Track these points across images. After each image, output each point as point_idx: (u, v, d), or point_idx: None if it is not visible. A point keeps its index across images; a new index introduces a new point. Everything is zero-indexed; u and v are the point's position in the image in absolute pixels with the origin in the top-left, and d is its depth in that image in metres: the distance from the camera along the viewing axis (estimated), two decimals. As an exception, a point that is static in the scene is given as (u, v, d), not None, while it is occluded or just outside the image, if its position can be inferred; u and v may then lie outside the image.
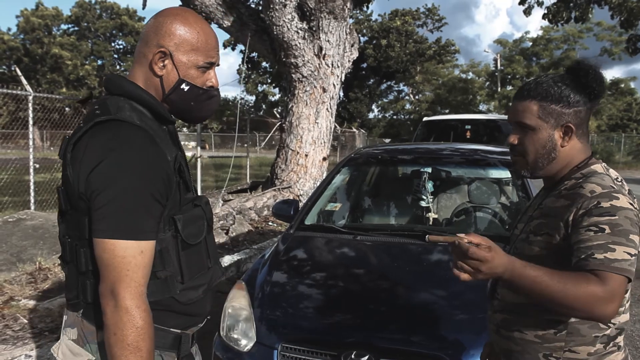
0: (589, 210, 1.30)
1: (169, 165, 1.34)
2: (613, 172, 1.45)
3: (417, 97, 44.83)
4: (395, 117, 46.56)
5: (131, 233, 1.25)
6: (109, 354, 1.27)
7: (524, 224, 1.55)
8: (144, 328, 1.25)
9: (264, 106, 48.29)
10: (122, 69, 47.07)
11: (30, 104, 7.53)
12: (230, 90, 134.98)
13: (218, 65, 1.48)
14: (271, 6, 8.69)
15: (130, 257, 1.25)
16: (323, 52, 9.14)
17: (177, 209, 1.37)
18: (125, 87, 1.40)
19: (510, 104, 1.54)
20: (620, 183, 1.39)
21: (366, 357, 2.26)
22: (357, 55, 10.20)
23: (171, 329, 1.41)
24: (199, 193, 10.46)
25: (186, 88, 1.42)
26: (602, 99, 1.47)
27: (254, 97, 49.10)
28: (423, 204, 3.93)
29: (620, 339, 1.40)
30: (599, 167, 1.44)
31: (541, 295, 1.25)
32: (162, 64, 1.39)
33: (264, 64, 40.37)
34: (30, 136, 7.85)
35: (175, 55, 1.39)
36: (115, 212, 1.25)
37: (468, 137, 9.99)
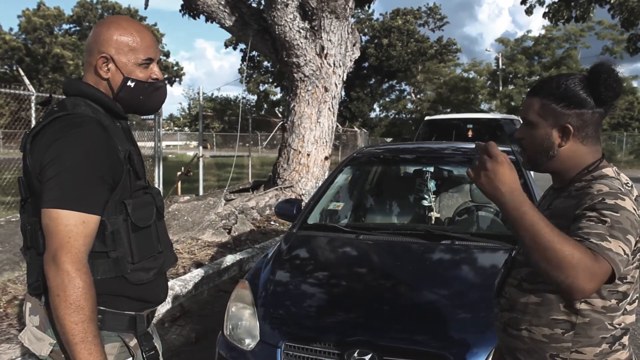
0: (593, 205, 1.30)
1: (117, 152, 1.46)
2: (624, 177, 1.43)
3: (418, 96, 44.79)
4: (397, 116, 46.53)
5: (75, 204, 1.35)
6: (55, 317, 1.35)
7: None
8: (85, 288, 1.34)
9: (265, 105, 48.33)
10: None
11: (32, 104, 7.54)
12: (232, 89, 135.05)
13: (159, 60, 1.62)
14: (273, 6, 8.69)
15: (72, 226, 1.35)
16: (325, 51, 9.14)
17: (128, 195, 1.49)
18: (80, 87, 1.55)
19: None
20: (629, 188, 1.38)
21: (369, 356, 2.26)
22: (359, 54, 10.20)
23: (125, 312, 1.51)
24: (201, 192, 10.44)
25: (132, 84, 1.56)
26: (612, 105, 1.43)
27: (255, 97, 49.16)
28: (425, 203, 3.94)
29: (625, 339, 1.41)
30: (610, 170, 1.43)
31: (535, 239, 1.19)
32: (106, 68, 1.54)
33: (265, 63, 40.37)
34: (33, 136, 7.85)
35: (117, 58, 1.53)
36: (62, 184, 1.36)
37: (470, 136, 9.99)
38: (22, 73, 8.16)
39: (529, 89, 1.55)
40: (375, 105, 45.77)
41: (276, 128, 16.72)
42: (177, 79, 50.34)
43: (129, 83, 1.56)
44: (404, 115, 45.69)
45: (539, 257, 1.19)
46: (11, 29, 45.27)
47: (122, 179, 1.47)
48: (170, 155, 27.61)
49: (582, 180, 1.43)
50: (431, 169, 4.18)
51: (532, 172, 3.91)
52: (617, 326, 1.38)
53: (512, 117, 10.53)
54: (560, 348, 1.39)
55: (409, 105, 45.42)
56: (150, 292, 1.57)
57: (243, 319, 2.62)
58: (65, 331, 1.34)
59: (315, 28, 9.02)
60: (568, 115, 1.41)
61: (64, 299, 1.32)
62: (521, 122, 1.56)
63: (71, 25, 47.92)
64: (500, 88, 37.10)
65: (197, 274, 5.05)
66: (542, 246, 1.18)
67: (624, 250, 1.22)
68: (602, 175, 1.41)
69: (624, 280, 1.36)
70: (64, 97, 1.57)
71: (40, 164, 1.40)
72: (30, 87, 7.57)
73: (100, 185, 1.41)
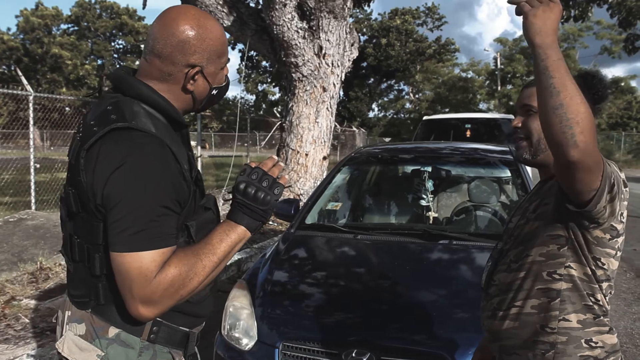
0: None
1: (184, 173, 1.32)
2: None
3: (417, 96, 44.82)
4: (395, 116, 46.57)
5: (148, 243, 1.24)
6: (209, 272, 1.31)
7: (519, 216, 1.59)
8: (184, 271, 1.27)
9: (264, 105, 48.31)
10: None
11: (30, 104, 7.55)
12: (231, 89, 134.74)
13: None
14: (271, 6, 8.69)
15: (147, 265, 1.23)
16: (323, 51, 9.14)
17: (191, 216, 1.37)
18: (140, 89, 1.35)
19: (510, 102, 1.58)
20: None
21: (367, 356, 2.27)
22: (357, 54, 10.19)
23: (180, 327, 1.43)
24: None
25: (216, 92, 1.45)
26: (602, 104, 1.51)
27: (254, 97, 49.17)
28: (423, 203, 3.94)
29: (606, 320, 1.43)
30: None
31: (566, 83, 1.21)
32: (192, 81, 1.38)
33: (264, 63, 40.39)
34: (31, 136, 7.88)
35: (206, 68, 1.38)
36: (129, 226, 1.23)
37: (468, 136, 10.01)
38: (20, 73, 8.17)
39: (527, 84, 1.63)
40: (373, 105, 45.86)
41: (274, 128, 16.73)
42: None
43: (214, 92, 1.44)
44: (403, 115, 45.73)
45: (562, 99, 1.19)
46: (9, 29, 45.50)
47: (189, 202, 1.34)
48: (168, 155, 27.51)
49: None
50: (429, 169, 4.18)
51: (529, 172, 3.91)
52: (597, 300, 1.40)
53: (511, 116, 10.53)
54: (549, 317, 1.41)
55: (408, 105, 45.46)
56: (203, 307, 1.51)
57: (241, 319, 2.62)
58: (216, 259, 1.32)
59: (314, 28, 9.01)
60: None
61: (195, 282, 1.28)
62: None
63: (69, 25, 47.90)
64: (499, 88, 37.12)
65: (195, 274, 5.04)
66: (572, 90, 1.20)
67: (612, 175, 1.29)
68: None
69: (604, 258, 1.38)
70: (114, 93, 1.39)
71: (101, 195, 1.25)
72: (29, 87, 7.58)
73: (169, 216, 1.28)
